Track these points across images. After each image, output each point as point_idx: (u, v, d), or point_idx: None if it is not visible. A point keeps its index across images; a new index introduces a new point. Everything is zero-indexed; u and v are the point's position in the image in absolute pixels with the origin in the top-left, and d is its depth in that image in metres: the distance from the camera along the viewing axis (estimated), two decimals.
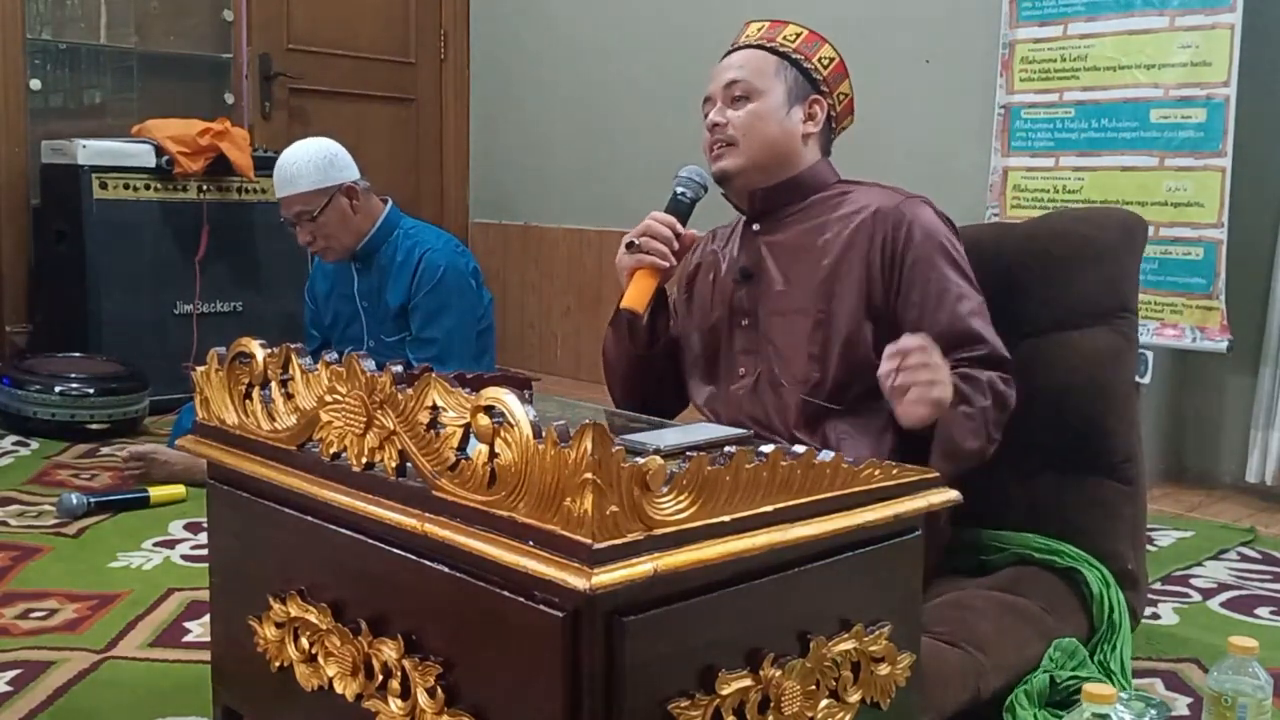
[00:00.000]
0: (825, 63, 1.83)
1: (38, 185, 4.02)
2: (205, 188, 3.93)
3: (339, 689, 1.20)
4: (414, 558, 1.10)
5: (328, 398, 1.19)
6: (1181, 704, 1.74)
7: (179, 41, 4.51)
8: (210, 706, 1.49)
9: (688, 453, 1.08)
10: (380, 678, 1.15)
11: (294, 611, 1.27)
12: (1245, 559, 2.55)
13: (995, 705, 1.55)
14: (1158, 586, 2.28)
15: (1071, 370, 1.84)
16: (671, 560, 0.97)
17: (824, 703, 1.14)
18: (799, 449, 1.15)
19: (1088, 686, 1.32)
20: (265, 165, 3.69)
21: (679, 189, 1.83)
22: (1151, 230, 2.06)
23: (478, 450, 1.02)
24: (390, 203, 2.93)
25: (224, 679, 1.47)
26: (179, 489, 2.72)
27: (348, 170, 2.81)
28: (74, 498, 2.58)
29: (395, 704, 1.13)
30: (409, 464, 1.10)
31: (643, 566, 0.95)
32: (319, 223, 2.76)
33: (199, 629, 1.93)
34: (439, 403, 1.06)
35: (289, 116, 4.68)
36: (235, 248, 4.00)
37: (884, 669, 1.21)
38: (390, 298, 2.85)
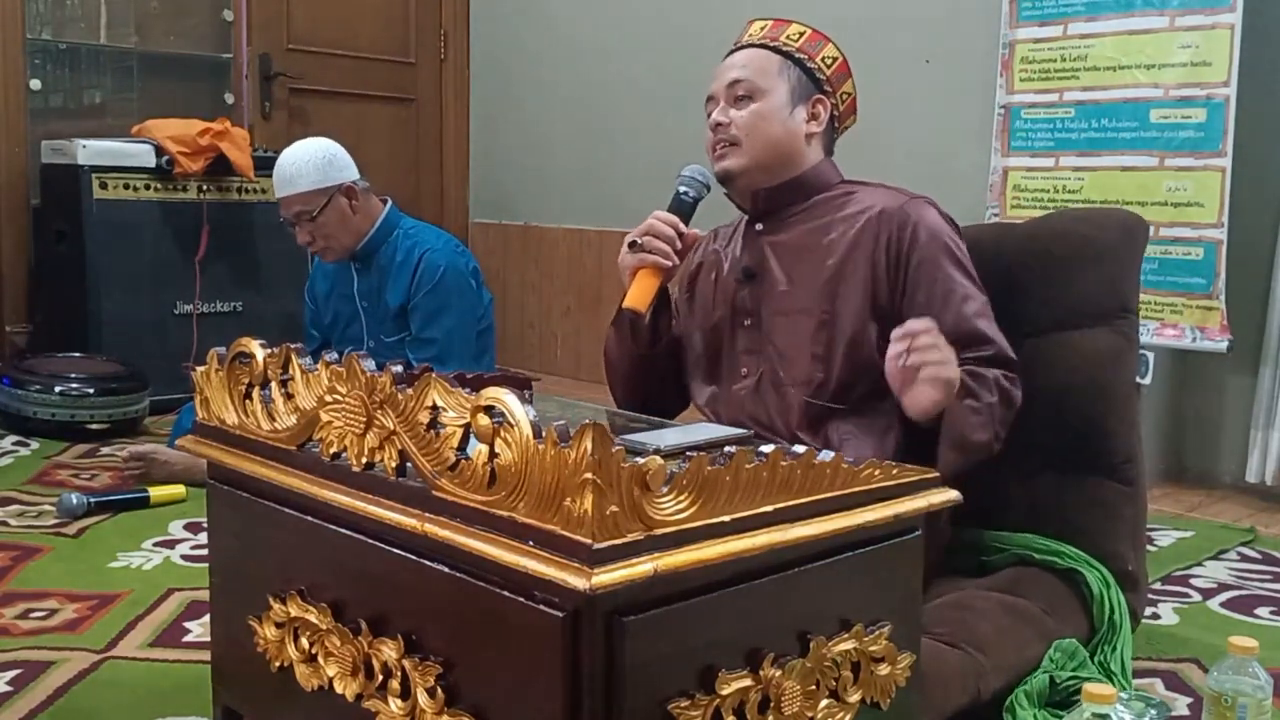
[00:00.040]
0: (828, 62, 1.83)
1: (38, 185, 4.02)
2: (205, 188, 3.93)
3: (339, 689, 1.20)
4: (414, 558, 1.10)
5: (328, 398, 1.19)
6: (1181, 704, 1.74)
7: (179, 41, 4.51)
8: (210, 706, 1.49)
9: (688, 453, 1.08)
10: (380, 678, 1.15)
11: (294, 611, 1.27)
12: (1245, 559, 2.55)
13: (995, 706, 1.55)
14: (1158, 586, 2.28)
15: (1072, 371, 1.84)
16: (671, 560, 0.97)
17: (824, 703, 1.14)
18: (799, 449, 1.15)
19: (1088, 686, 1.32)
20: (265, 165, 3.69)
21: (682, 188, 1.82)
22: (1151, 230, 2.06)
23: (478, 450, 1.02)
24: (390, 203, 2.93)
25: (224, 679, 1.47)
26: (179, 489, 2.72)
27: (347, 170, 2.81)
28: (74, 498, 2.58)
29: (395, 704, 1.13)
30: (409, 464, 1.10)
31: (643, 566, 0.95)
32: (318, 223, 2.76)
33: (199, 629, 1.93)
34: (439, 403, 1.06)
35: (289, 116, 4.68)
36: (235, 248, 4.00)
37: (884, 669, 1.21)
38: (390, 298, 2.85)
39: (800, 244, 1.81)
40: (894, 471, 1.22)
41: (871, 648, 1.19)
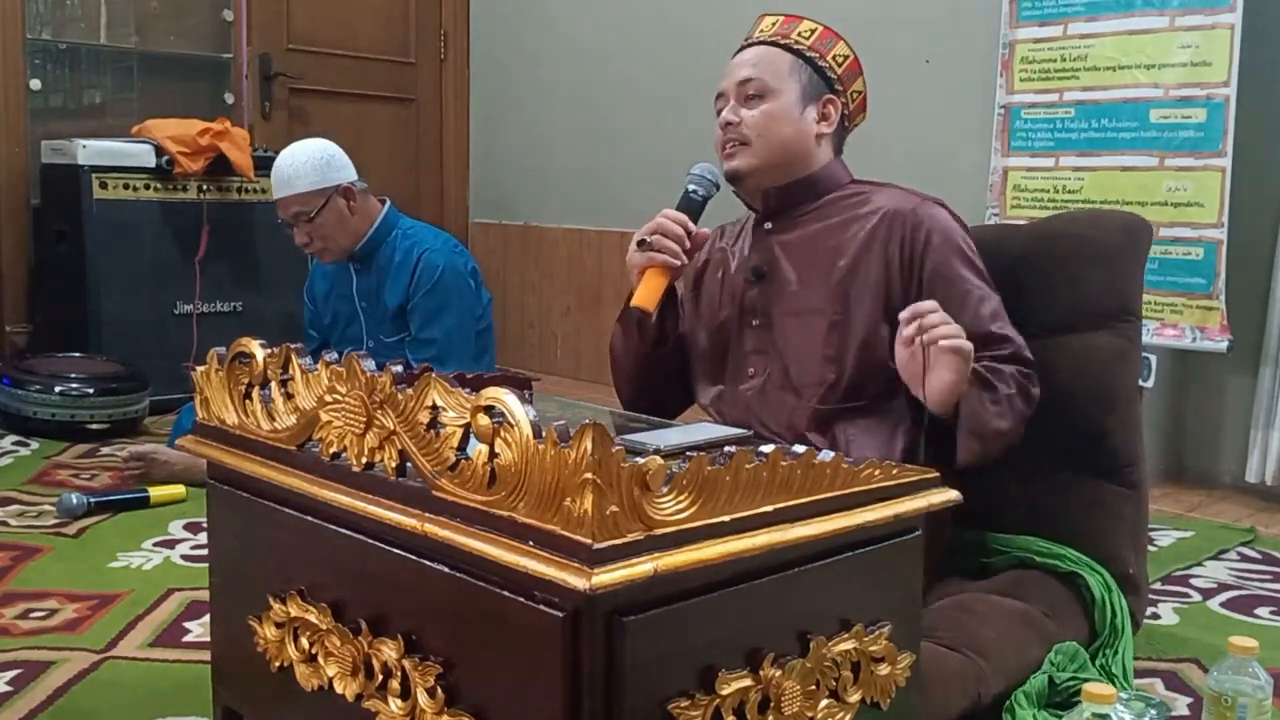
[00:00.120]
0: (840, 61, 1.82)
1: (38, 185, 4.02)
2: (205, 188, 3.93)
3: (339, 689, 1.20)
4: (414, 558, 1.10)
5: (328, 398, 1.19)
6: (1181, 704, 1.74)
7: (179, 41, 4.51)
8: (210, 706, 1.49)
9: (688, 453, 1.08)
10: (380, 678, 1.15)
11: (294, 611, 1.27)
12: (1245, 559, 2.55)
13: (996, 710, 1.55)
14: (1158, 586, 2.28)
15: (1074, 373, 1.83)
16: (671, 560, 0.97)
17: (824, 703, 1.14)
18: (799, 449, 1.15)
19: (1088, 686, 1.32)
20: (265, 165, 3.69)
21: (691, 187, 1.81)
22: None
23: (478, 450, 1.02)
24: (388, 203, 2.93)
25: (224, 679, 1.47)
26: (179, 489, 2.72)
27: (345, 171, 2.81)
28: (74, 498, 2.57)
29: (395, 704, 1.13)
30: (409, 464, 1.10)
31: (643, 566, 0.95)
32: (316, 224, 2.76)
33: (199, 629, 1.93)
34: (439, 403, 1.06)
35: (289, 116, 4.68)
36: (235, 248, 4.00)
37: (884, 669, 1.21)
38: (389, 298, 2.85)
39: (811, 244, 1.80)
40: (894, 471, 1.22)
41: (871, 648, 1.19)
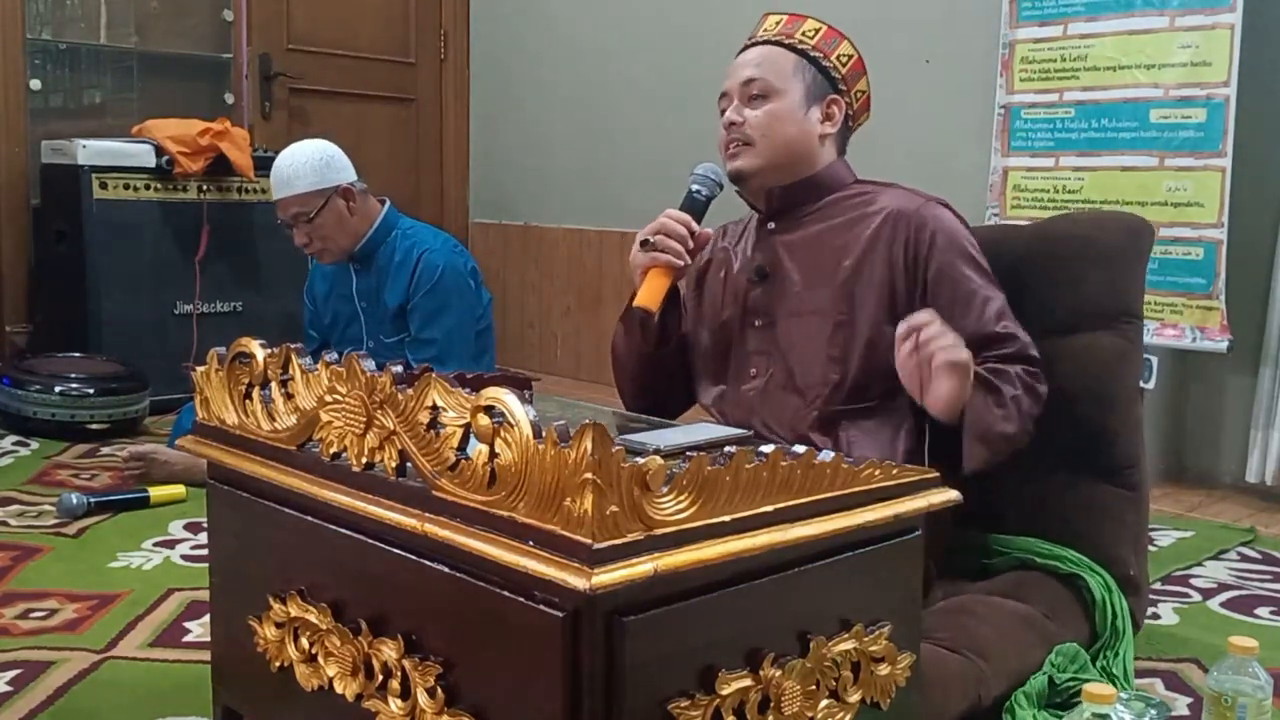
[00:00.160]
0: (844, 60, 1.81)
1: (38, 185, 4.02)
2: (205, 188, 3.93)
3: (339, 689, 1.20)
4: (414, 558, 1.10)
5: (328, 398, 1.19)
6: (1181, 704, 1.74)
7: (179, 41, 4.51)
8: (210, 706, 1.49)
9: (688, 453, 1.08)
10: (380, 678, 1.15)
11: (294, 611, 1.27)
12: (1245, 559, 2.55)
13: (996, 712, 1.55)
14: (1158, 586, 2.28)
15: (1075, 374, 1.83)
16: (671, 560, 0.97)
17: (824, 703, 1.14)
18: (799, 449, 1.15)
19: (1088, 686, 1.32)
20: (265, 165, 3.68)
21: (695, 187, 1.81)
22: None
23: (478, 450, 1.02)
24: (388, 203, 2.93)
25: (224, 679, 1.47)
26: (179, 489, 2.72)
27: (344, 172, 2.81)
28: (74, 498, 2.58)
29: (395, 704, 1.13)
30: (409, 464, 1.10)
31: (643, 566, 0.95)
32: (315, 224, 2.76)
33: (199, 629, 1.93)
34: (439, 403, 1.06)
35: (289, 116, 4.69)
36: (235, 248, 4.01)
37: (884, 669, 1.21)
38: (389, 298, 2.85)
39: (815, 244, 1.80)
40: (894, 471, 1.22)
41: (871, 648, 1.19)
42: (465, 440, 1.04)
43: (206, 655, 1.52)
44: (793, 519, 1.09)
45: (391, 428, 1.11)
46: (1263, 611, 2.18)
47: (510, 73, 5.01)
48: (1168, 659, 1.91)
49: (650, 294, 1.74)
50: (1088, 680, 1.53)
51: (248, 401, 1.33)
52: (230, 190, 4.00)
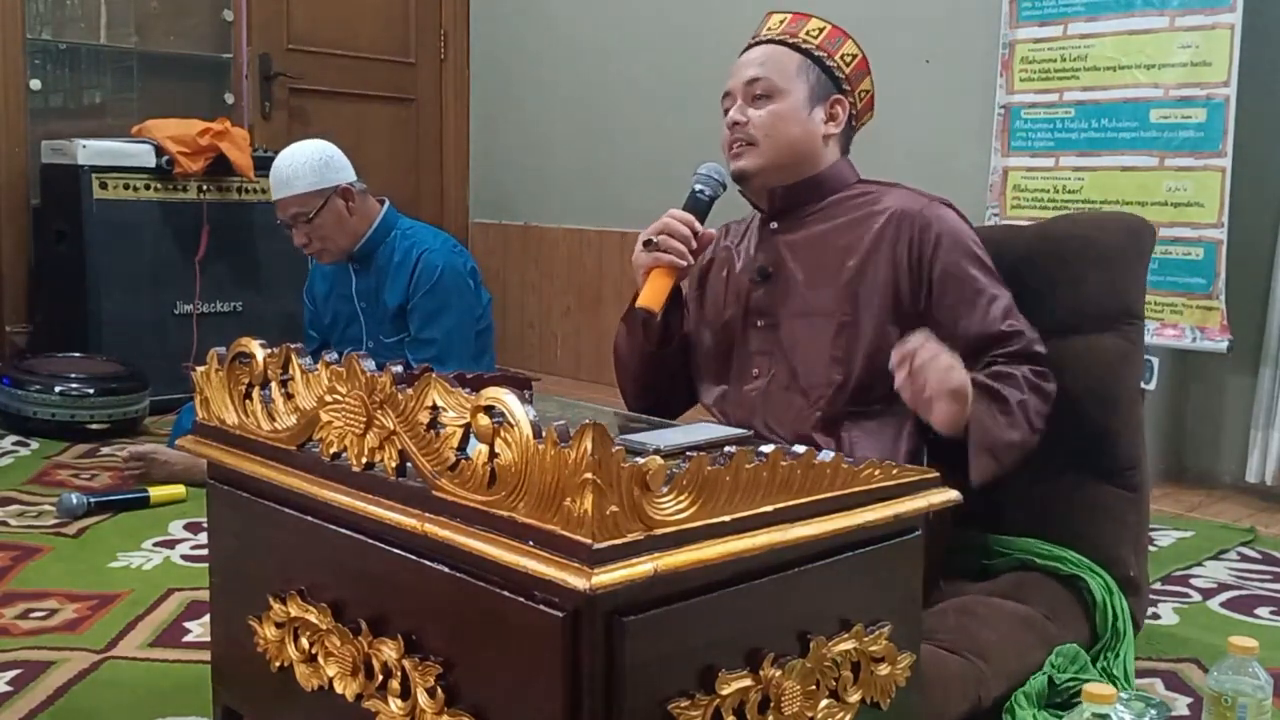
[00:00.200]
0: (848, 60, 1.81)
1: (38, 185, 4.02)
2: (205, 188, 3.93)
3: (339, 689, 1.20)
4: (414, 558, 1.10)
5: (328, 398, 1.19)
6: (1181, 704, 1.74)
7: (179, 41, 4.51)
8: (210, 706, 1.49)
9: (688, 453, 1.08)
10: (380, 678, 1.15)
11: (294, 611, 1.27)
12: (1245, 559, 2.55)
13: (996, 713, 1.55)
14: (1158, 586, 2.28)
15: (1077, 375, 1.83)
16: (671, 560, 0.97)
17: (824, 703, 1.14)
18: (799, 449, 1.15)
19: (1088, 686, 1.32)
20: (265, 165, 3.67)
21: (698, 186, 1.80)
22: None
23: (478, 450, 1.02)
24: (387, 203, 2.93)
25: (224, 679, 1.47)
26: (179, 489, 2.72)
27: (343, 172, 2.81)
28: (74, 498, 2.57)
29: (395, 704, 1.13)
30: (409, 464, 1.10)
31: (643, 566, 0.95)
32: (315, 225, 2.76)
33: (199, 629, 1.93)
34: (439, 403, 1.06)
35: (289, 116, 4.69)
36: (235, 248, 4.01)
37: (884, 669, 1.21)
38: (388, 298, 2.85)
39: (818, 244, 1.79)
40: (894, 471, 1.22)
41: (871, 648, 1.19)
42: (465, 440, 1.04)
43: (206, 655, 1.52)
44: (793, 519, 1.09)
45: (391, 428, 1.11)
46: (1263, 611, 2.18)
47: (510, 73, 5.01)
48: (1168, 659, 1.90)
49: (653, 294, 1.74)
50: (1088, 680, 1.53)
51: (248, 401, 1.33)
52: (230, 190, 4.00)
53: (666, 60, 4.30)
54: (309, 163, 2.76)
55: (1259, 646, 1.43)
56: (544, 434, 0.96)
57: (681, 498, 0.99)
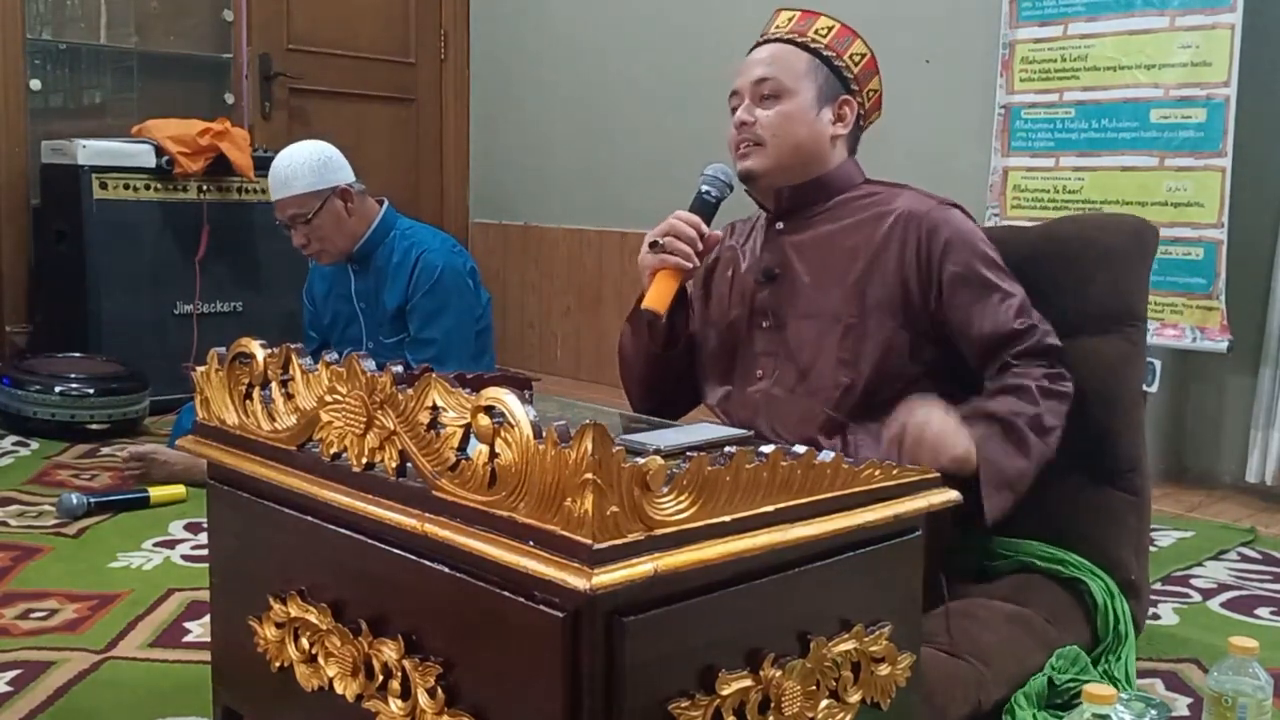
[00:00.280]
0: (856, 59, 1.80)
1: (38, 185, 4.02)
2: (205, 188, 3.93)
3: (339, 689, 1.20)
4: (414, 558, 1.10)
5: (328, 398, 1.19)
6: (1181, 704, 1.74)
7: (179, 41, 4.51)
8: (210, 706, 1.49)
9: (688, 453, 1.07)
10: (380, 678, 1.15)
11: (294, 612, 1.27)
12: (1245, 559, 2.55)
13: (996, 715, 1.55)
14: (1158, 587, 2.28)
15: (1079, 377, 1.82)
16: (672, 560, 0.97)
17: (824, 703, 1.14)
18: (799, 449, 1.15)
19: (1088, 687, 1.32)
20: (265, 165, 3.65)
21: (705, 188, 1.79)
22: None
23: (478, 450, 1.02)
24: (386, 204, 2.93)
25: (224, 679, 1.47)
26: (179, 489, 2.72)
27: (342, 172, 2.81)
28: (74, 498, 2.57)
29: (395, 704, 1.12)
30: (409, 464, 1.10)
31: (643, 566, 0.95)
32: (313, 225, 2.76)
33: (199, 629, 1.93)
34: (439, 403, 1.06)
35: (289, 116, 4.69)
36: (235, 248, 4.01)
37: (884, 669, 1.21)
38: (388, 299, 2.85)
39: (825, 245, 1.79)
40: (894, 471, 1.22)
41: (872, 648, 1.19)
42: (465, 440, 1.04)
43: (206, 655, 1.52)
44: (793, 519, 1.09)
45: (392, 428, 1.11)
46: (1263, 611, 2.18)
47: (510, 73, 5.01)
48: (1168, 659, 1.90)
49: (658, 296, 1.73)
50: (1088, 681, 1.53)
51: (248, 401, 1.33)
52: (230, 190, 4.00)
53: (666, 60, 4.30)
54: (307, 163, 2.76)
55: (1259, 647, 1.43)
56: (544, 434, 0.96)
57: (682, 498, 0.99)
